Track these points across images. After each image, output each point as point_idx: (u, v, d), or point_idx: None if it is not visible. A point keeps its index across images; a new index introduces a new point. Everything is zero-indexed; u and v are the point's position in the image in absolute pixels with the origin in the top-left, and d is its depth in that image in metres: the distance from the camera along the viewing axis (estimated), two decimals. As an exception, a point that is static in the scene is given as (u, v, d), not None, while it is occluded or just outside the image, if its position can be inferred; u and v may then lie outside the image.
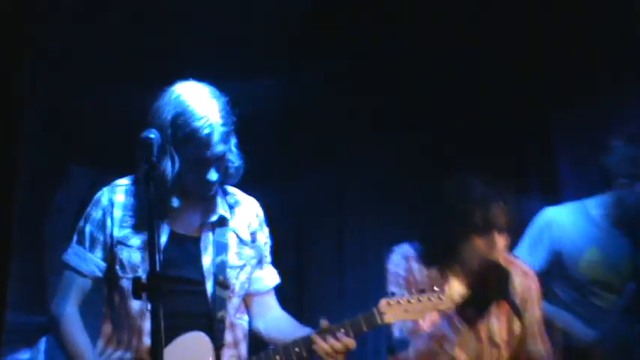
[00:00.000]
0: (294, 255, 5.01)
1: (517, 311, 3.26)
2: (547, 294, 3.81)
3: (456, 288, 3.34)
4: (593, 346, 4.02)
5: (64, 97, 4.49)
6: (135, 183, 3.19)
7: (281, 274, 3.66)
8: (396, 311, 3.05)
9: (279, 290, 3.76)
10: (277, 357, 3.06)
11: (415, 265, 3.36)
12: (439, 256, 3.35)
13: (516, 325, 3.37)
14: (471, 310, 3.21)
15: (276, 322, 3.31)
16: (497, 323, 3.36)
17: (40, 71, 4.22)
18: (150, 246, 2.66)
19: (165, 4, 4.38)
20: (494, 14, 4.70)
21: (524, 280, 3.41)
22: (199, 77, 3.19)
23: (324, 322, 3.04)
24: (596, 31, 4.65)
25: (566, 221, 4.10)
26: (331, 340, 3.02)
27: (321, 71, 4.91)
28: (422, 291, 3.04)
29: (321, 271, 5.04)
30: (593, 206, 4.12)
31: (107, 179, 3.27)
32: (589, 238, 4.07)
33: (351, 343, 3.02)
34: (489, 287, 3.22)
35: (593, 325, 4.07)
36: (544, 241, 4.01)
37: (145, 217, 2.95)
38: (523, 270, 3.45)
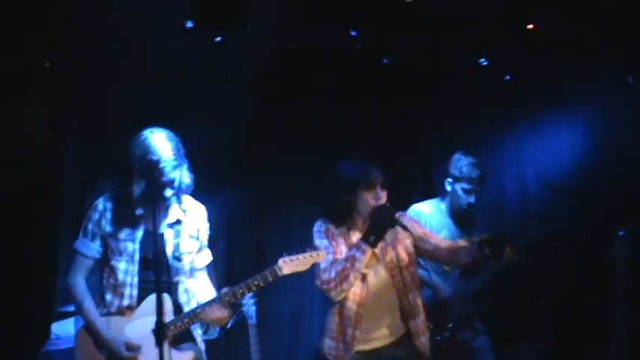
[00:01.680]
0: (256, 229, 5.89)
1: (410, 233, 4.05)
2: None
3: (358, 235, 4.09)
4: (446, 299, 4.97)
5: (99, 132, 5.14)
6: (119, 194, 3.88)
7: (245, 243, 4.94)
8: (290, 266, 3.86)
9: (248, 251, 5.06)
10: (186, 319, 3.88)
11: (330, 225, 4.15)
12: (343, 217, 4.13)
13: (410, 252, 4.13)
14: (372, 237, 3.96)
15: (200, 288, 4.07)
16: (399, 249, 4.12)
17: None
18: (153, 235, 3.65)
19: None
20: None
21: (410, 223, 4.13)
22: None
23: (223, 290, 3.86)
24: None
25: (428, 212, 4.99)
26: (215, 311, 3.84)
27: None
28: (305, 251, 3.89)
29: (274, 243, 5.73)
30: (442, 202, 5.06)
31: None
32: (441, 223, 4.99)
33: (228, 314, 3.86)
34: (381, 219, 3.97)
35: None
36: None
37: (127, 218, 3.85)
38: (408, 219, 4.21)
